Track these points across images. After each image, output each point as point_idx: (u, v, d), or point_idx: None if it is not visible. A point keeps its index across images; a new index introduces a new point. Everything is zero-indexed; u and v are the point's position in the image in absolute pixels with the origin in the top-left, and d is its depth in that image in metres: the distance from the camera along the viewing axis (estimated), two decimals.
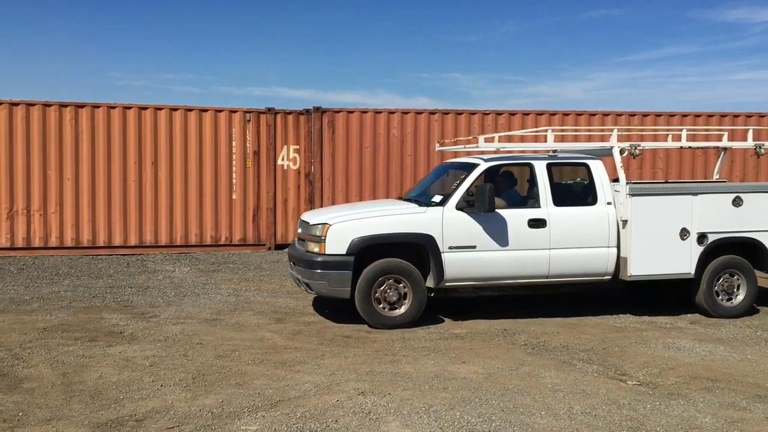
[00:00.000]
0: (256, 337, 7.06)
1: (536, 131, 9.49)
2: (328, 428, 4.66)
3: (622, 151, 8.17)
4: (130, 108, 13.05)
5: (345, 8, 38.69)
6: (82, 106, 12.85)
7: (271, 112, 13.64)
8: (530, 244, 7.73)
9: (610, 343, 7.00)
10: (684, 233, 7.96)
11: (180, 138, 13.21)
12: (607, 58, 39.88)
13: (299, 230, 8.24)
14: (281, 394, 5.31)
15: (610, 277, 8.03)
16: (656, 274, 8.00)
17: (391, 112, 13.94)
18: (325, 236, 7.40)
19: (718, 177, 9.84)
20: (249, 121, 13.52)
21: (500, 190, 7.96)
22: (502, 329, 7.50)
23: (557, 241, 7.77)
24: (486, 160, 8.02)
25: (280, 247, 13.48)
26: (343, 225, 7.47)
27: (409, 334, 7.23)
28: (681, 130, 8.77)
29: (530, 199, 8.03)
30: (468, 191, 7.69)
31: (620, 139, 8.44)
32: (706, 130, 10.39)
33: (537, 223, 7.75)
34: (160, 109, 13.17)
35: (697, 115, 14.61)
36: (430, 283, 7.60)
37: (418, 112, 14.03)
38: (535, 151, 8.97)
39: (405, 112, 13.98)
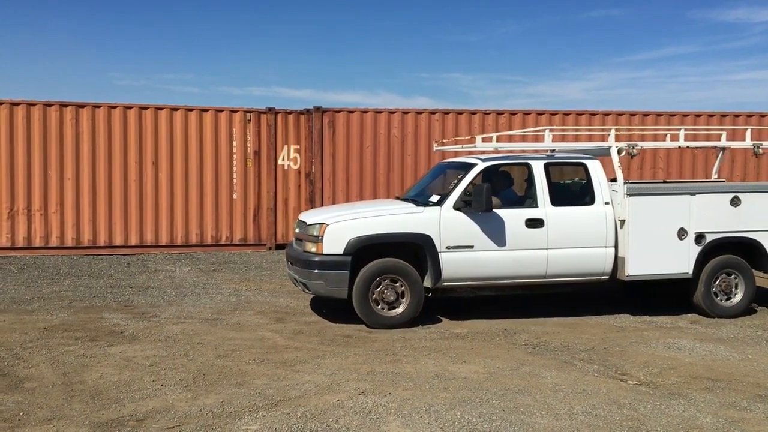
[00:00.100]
0: (256, 337, 7.07)
1: (534, 131, 9.48)
2: (329, 428, 4.66)
3: (619, 151, 8.17)
4: (130, 108, 13.05)
5: (345, 8, 38.72)
6: (82, 105, 12.85)
7: (272, 112, 13.64)
8: (528, 243, 7.73)
9: (610, 343, 7.00)
10: (682, 233, 7.96)
11: (181, 138, 13.21)
12: (607, 58, 39.91)
13: (297, 230, 8.24)
14: (282, 393, 5.31)
15: (607, 277, 8.03)
16: (654, 274, 8.00)
17: (392, 112, 13.94)
18: (323, 236, 7.40)
19: (716, 177, 9.84)
20: (249, 121, 13.52)
21: (498, 189, 7.95)
22: (503, 329, 7.50)
23: (555, 241, 7.76)
24: (483, 160, 8.02)
25: (280, 246, 13.47)
26: (341, 225, 7.47)
27: (410, 334, 7.23)
28: (679, 130, 8.77)
29: (528, 198, 8.02)
30: (465, 191, 7.68)
31: (619, 138, 8.43)
32: (705, 130, 10.39)
33: (534, 223, 7.75)
34: (161, 109, 13.18)
35: (698, 115, 14.61)
36: (427, 283, 7.59)
37: (419, 112, 14.03)
38: (534, 151, 8.97)
39: (405, 112, 13.98)
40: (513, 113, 14.34)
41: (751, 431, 4.75)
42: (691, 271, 8.01)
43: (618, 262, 7.94)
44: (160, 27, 37.58)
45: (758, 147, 8.67)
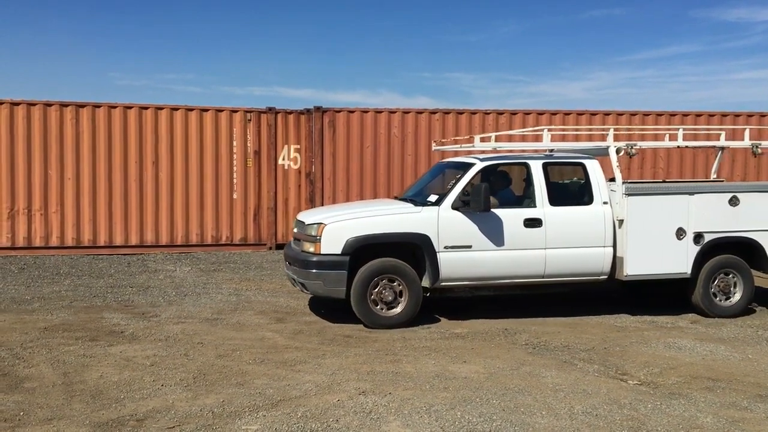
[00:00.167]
0: (256, 337, 7.06)
1: (532, 131, 9.48)
2: (329, 428, 4.66)
3: (617, 151, 8.17)
4: (131, 108, 13.05)
5: (345, 8, 38.71)
6: (83, 105, 12.85)
7: (272, 111, 13.64)
8: (526, 243, 7.72)
9: (611, 343, 7.00)
10: (680, 233, 7.96)
11: (181, 138, 13.21)
12: (608, 58, 39.90)
13: (295, 230, 8.24)
14: (282, 393, 5.31)
15: (606, 276, 8.02)
16: (652, 274, 7.99)
17: (392, 112, 13.94)
18: (321, 236, 7.40)
19: (715, 176, 9.84)
20: (250, 120, 13.52)
21: (496, 189, 7.95)
22: (503, 329, 7.49)
23: (553, 241, 7.75)
24: (482, 160, 8.01)
25: (280, 246, 13.45)
26: (339, 225, 7.46)
27: (410, 334, 7.23)
28: (678, 129, 8.76)
29: (526, 198, 8.02)
30: (464, 191, 7.67)
31: (620, 138, 8.43)
32: (704, 129, 10.39)
33: (533, 223, 7.74)
34: (161, 108, 13.18)
35: (698, 115, 14.60)
36: (425, 282, 7.59)
37: (419, 112, 14.03)
38: (533, 151, 8.96)
39: (406, 112, 13.98)
40: (513, 113, 14.34)
41: (752, 431, 4.75)
42: (689, 271, 8.00)
43: (616, 261, 7.93)
44: (161, 27, 37.61)
45: (757, 147, 8.66)
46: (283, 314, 8.16)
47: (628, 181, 8.87)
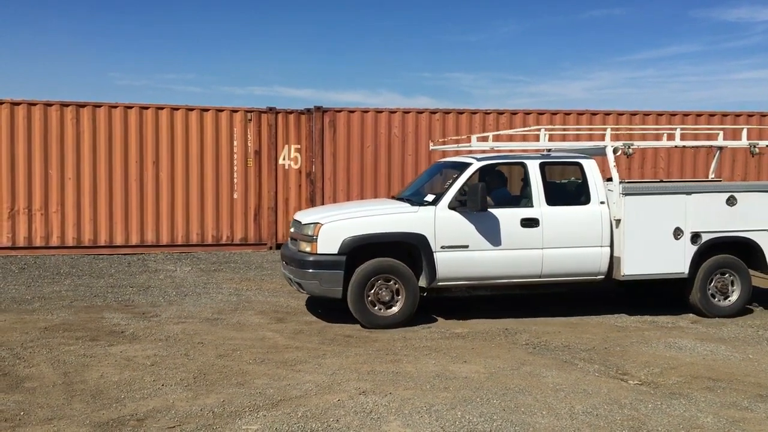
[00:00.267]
0: (257, 337, 7.06)
1: (529, 130, 9.47)
2: (330, 428, 4.65)
3: (615, 151, 8.16)
4: (131, 107, 13.05)
5: (345, 8, 38.72)
6: (83, 105, 12.85)
7: (273, 111, 13.64)
8: (523, 243, 7.71)
9: (611, 343, 6.99)
10: (677, 233, 7.95)
11: (181, 137, 13.21)
12: (608, 58, 39.90)
13: (292, 230, 8.24)
14: (282, 393, 5.31)
15: (603, 276, 8.01)
16: (649, 274, 7.98)
17: (393, 112, 13.94)
18: (317, 236, 7.39)
19: (713, 176, 9.84)
20: (250, 120, 13.52)
21: (493, 189, 7.96)
22: (504, 329, 7.49)
23: (550, 241, 7.75)
24: (479, 160, 8.01)
25: (281, 246, 13.45)
26: (335, 224, 7.46)
27: (411, 334, 7.23)
28: (676, 129, 8.76)
29: (523, 198, 8.02)
30: (461, 190, 7.67)
31: (619, 138, 8.43)
32: (703, 129, 10.39)
33: (530, 223, 7.74)
34: (162, 108, 13.17)
35: (699, 115, 14.59)
36: (422, 282, 7.58)
37: (419, 112, 14.03)
38: (532, 151, 8.96)
39: (406, 112, 13.98)
40: (514, 113, 14.34)
41: (752, 431, 4.74)
42: (686, 271, 8.00)
43: (613, 261, 7.93)
44: (161, 27, 37.62)
45: (754, 146, 8.65)
46: (283, 314, 8.16)
47: (626, 180, 8.87)
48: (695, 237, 7.98)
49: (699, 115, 14.60)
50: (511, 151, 8.88)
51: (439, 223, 7.53)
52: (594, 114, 14.45)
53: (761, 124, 14.30)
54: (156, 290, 9.48)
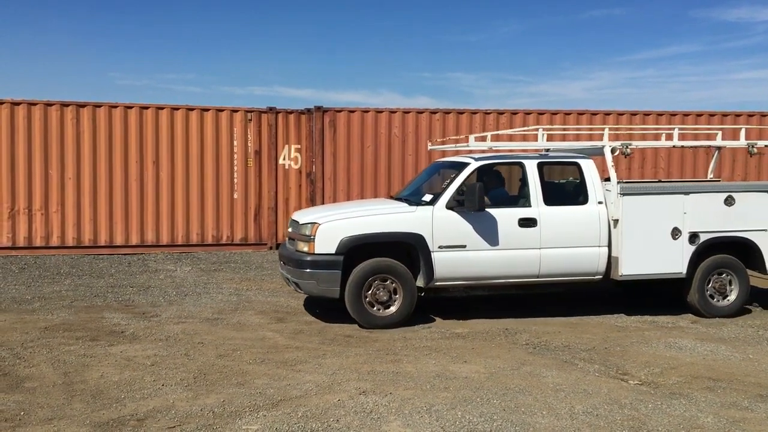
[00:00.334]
0: (257, 337, 7.06)
1: (527, 130, 9.47)
2: (330, 428, 4.65)
3: (613, 151, 8.16)
4: (131, 107, 13.05)
5: (345, 8, 38.72)
6: (83, 105, 12.85)
7: (273, 111, 13.64)
8: (521, 243, 7.71)
9: (611, 343, 6.99)
10: (675, 233, 7.95)
11: (181, 137, 13.21)
12: (608, 58, 39.91)
13: (290, 229, 8.23)
14: (282, 393, 5.31)
15: (601, 276, 8.01)
16: (647, 274, 7.98)
17: (393, 112, 13.94)
18: (315, 235, 7.39)
19: (712, 176, 9.84)
20: (250, 120, 13.52)
21: (491, 189, 7.96)
22: (504, 329, 7.49)
23: (548, 241, 7.74)
24: (477, 159, 8.00)
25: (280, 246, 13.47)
26: (333, 224, 7.46)
27: (411, 334, 7.23)
28: (674, 129, 8.75)
29: (521, 198, 8.01)
30: (458, 190, 7.66)
31: (619, 138, 8.42)
32: (703, 129, 10.39)
33: (527, 223, 7.74)
34: (162, 108, 13.17)
35: (699, 115, 14.59)
36: (420, 282, 7.58)
37: (420, 112, 14.02)
38: (531, 151, 8.96)
39: (406, 112, 13.98)
40: (514, 113, 14.34)
41: (753, 431, 4.74)
42: (684, 271, 7.99)
43: (611, 261, 7.93)
44: (161, 27, 37.62)
45: (753, 146, 8.65)
46: (283, 314, 8.16)
47: (624, 180, 8.87)
48: (693, 237, 7.98)
49: (699, 115, 14.60)
50: (509, 150, 8.87)
51: (436, 222, 7.53)
52: (594, 114, 14.45)
53: (761, 124, 14.30)
54: (156, 290, 9.48)
